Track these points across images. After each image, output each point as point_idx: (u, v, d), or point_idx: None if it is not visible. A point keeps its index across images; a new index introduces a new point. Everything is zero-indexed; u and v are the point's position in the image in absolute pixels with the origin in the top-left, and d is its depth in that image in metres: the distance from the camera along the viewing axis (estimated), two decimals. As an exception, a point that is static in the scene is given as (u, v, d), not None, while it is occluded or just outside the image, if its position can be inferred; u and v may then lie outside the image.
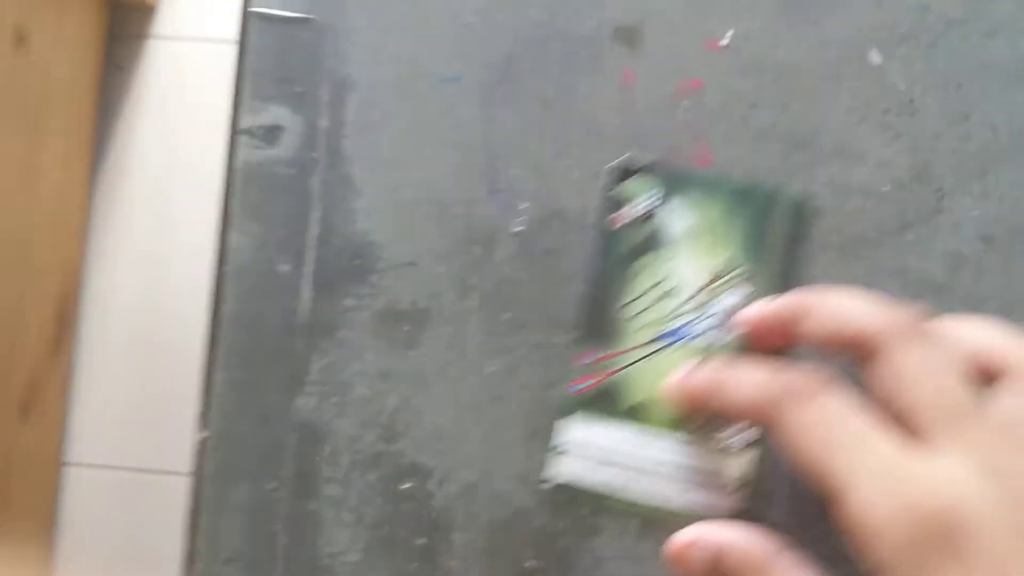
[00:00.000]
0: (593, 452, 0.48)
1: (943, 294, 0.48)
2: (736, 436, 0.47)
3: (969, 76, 0.49)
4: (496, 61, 0.50)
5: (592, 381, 0.48)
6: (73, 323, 1.34)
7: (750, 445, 0.47)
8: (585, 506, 0.48)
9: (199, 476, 0.48)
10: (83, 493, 1.39)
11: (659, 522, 0.48)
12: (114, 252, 1.37)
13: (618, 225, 0.48)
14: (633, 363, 0.48)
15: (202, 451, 0.48)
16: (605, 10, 0.50)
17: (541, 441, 0.48)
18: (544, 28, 0.50)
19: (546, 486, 0.48)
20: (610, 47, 0.50)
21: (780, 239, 0.48)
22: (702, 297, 0.48)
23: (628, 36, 0.50)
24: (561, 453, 0.48)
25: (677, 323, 0.48)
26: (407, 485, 0.48)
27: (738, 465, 0.47)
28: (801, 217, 0.48)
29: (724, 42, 0.50)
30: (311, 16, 0.50)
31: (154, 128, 1.37)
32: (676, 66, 0.49)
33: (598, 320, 0.48)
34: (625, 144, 0.49)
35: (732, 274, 0.48)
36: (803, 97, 0.49)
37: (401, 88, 0.49)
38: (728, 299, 0.48)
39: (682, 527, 0.46)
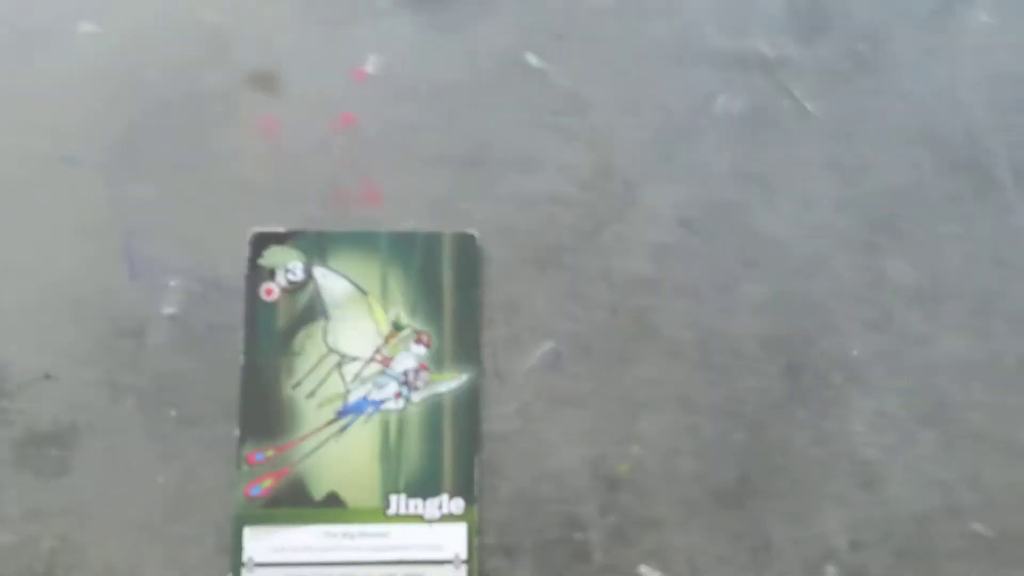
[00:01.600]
0: (291, 558, 0.40)
1: (653, 288, 0.44)
2: (448, 503, 0.41)
3: (632, 63, 0.46)
4: (116, 133, 0.44)
5: (271, 481, 0.41)
6: None
7: (464, 510, 0.41)
8: (298, 617, 0.40)
9: None
10: None
11: (388, 616, 0.40)
12: None
13: (271, 297, 0.42)
14: (315, 449, 0.41)
15: None
16: (234, 58, 0.45)
17: (235, 553, 0.40)
18: (166, 88, 0.44)
19: (243, 607, 0.40)
20: (245, 96, 0.45)
21: (451, 284, 0.43)
22: (378, 362, 0.42)
23: (264, 81, 0.45)
24: (254, 567, 0.40)
25: (356, 395, 0.41)
26: (79, 643, 0.39)
27: (456, 534, 0.41)
28: (468, 255, 0.43)
29: (369, 70, 0.45)
30: None
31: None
32: (323, 103, 0.45)
33: (264, 409, 0.41)
34: (281, 196, 0.44)
35: (405, 331, 0.42)
36: (466, 113, 0.45)
37: (12, 180, 0.43)
38: (406, 359, 0.42)
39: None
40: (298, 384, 0.42)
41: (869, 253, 0.45)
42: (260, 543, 0.40)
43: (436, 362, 0.42)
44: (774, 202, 0.45)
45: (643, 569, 0.41)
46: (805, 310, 0.44)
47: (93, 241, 0.42)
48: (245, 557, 0.40)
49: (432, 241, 0.43)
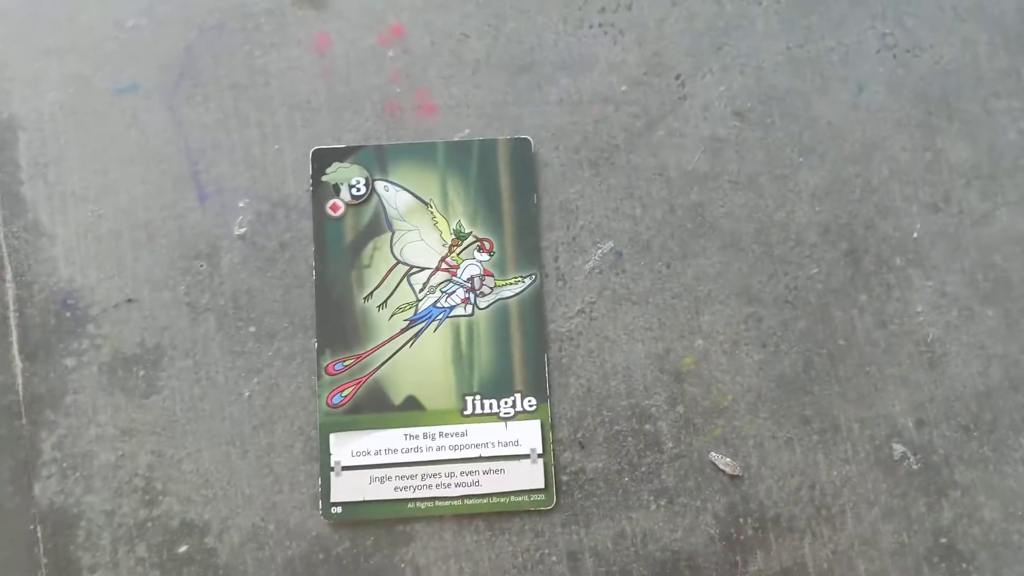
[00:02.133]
0: (376, 461, 0.42)
1: (709, 182, 0.44)
2: (521, 401, 0.42)
3: (678, -47, 0.46)
4: (172, 59, 0.44)
5: (351, 389, 0.42)
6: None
7: (537, 407, 0.42)
8: (386, 518, 0.42)
9: (-66, 605, 0.41)
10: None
11: (473, 512, 0.42)
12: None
13: (337, 213, 0.43)
14: (391, 357, 0.42)
15: (-68, 576, 0.41)
16: (281, -23, 0.45)
17: (322, 459, 0.42)
18: (217, 11, 0.45)
19: (336, 511, 0.42)
20: (295, 14, 0.45)
21: (509, 189, 0.43)
22: (444, 270, 0.43)
23: (312, -2, 0.45)
24: (341, 471, 0.42)
25: (426, 303, 0.43)
26: (183, 548, 0.42)
27: (531, 430, 0.42)
28: (523, 160, 0.44)
29: (415, -21, 0.45)
30: (-44, 61, 0.44)
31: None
32: (371, 17, 0.45)
33: (339, 321, 0.42)
34: (337, 112, 0.44)
35: (468, 239, 0.43)
36: (512, 17, 0.45)
37: (74, 112, 0.44)
38: (471, 266, 0.43)
39: (498, 511, 0.41)
40: (370, 295, 0.43)
41: (925, 134, 0.45)
42: (345, 448, 0.42)
43: (500, 267, 0.43)
44: (828, 88, 0.45)
45: (713, 456, 0.43)
46: (863, 195, 0.44)
47: (160, 167, 0.43)
48: (332, 462, 0.42)
49: (487, 148, 0.44)
